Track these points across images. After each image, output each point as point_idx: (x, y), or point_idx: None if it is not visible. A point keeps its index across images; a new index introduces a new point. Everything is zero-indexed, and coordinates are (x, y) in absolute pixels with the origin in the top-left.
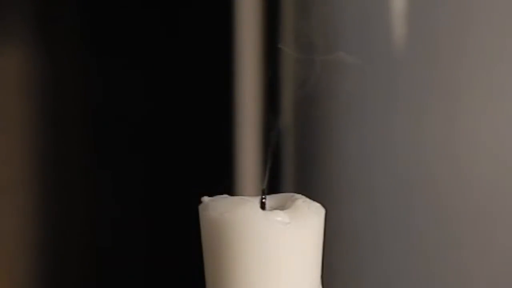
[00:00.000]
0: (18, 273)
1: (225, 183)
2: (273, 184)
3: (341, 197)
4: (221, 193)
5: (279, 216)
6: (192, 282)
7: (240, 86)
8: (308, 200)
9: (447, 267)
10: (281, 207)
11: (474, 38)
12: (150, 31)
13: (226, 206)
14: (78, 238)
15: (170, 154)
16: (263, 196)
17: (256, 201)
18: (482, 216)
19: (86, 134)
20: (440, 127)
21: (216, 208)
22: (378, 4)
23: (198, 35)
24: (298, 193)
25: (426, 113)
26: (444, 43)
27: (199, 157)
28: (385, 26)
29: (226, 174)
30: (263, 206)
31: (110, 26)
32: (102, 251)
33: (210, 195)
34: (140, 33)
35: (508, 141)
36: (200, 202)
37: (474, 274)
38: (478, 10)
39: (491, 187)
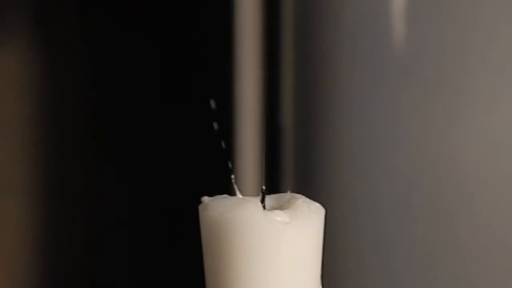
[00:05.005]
0: (18, 273)
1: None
2: (273, 184)
3: (341, 197)
4: (221, 193)
5: (279, 216)
6: (192, 282)
7: (240, 86)
8: (308, 200)
9: (447, 267)
10: (281, 207)
11: (475, 38)
12: (150, 31)
13: (226, 206)
14: (79, 238)
15: (171, 154)
16: (263, 196)
17: (256, 201)
18: (483, 216)
19: (86, 134)
20: (441, 126)
21: (216, 208)
22: (378, 4)
23: (198, 35)
24: (298, 193)
25: (427, 113)
26: (445, 43)
27: (199, 157)
28: (385, 26)
29: (226, 174)
30: (263, 206)
31: (110, 26)
32: (102, 251)
33: (210, 195)
34: (140, 33)
35: (509, 141)
36: (200, 202)
37: (474, 274)
38: (478, 10)
39: (492, 187)
